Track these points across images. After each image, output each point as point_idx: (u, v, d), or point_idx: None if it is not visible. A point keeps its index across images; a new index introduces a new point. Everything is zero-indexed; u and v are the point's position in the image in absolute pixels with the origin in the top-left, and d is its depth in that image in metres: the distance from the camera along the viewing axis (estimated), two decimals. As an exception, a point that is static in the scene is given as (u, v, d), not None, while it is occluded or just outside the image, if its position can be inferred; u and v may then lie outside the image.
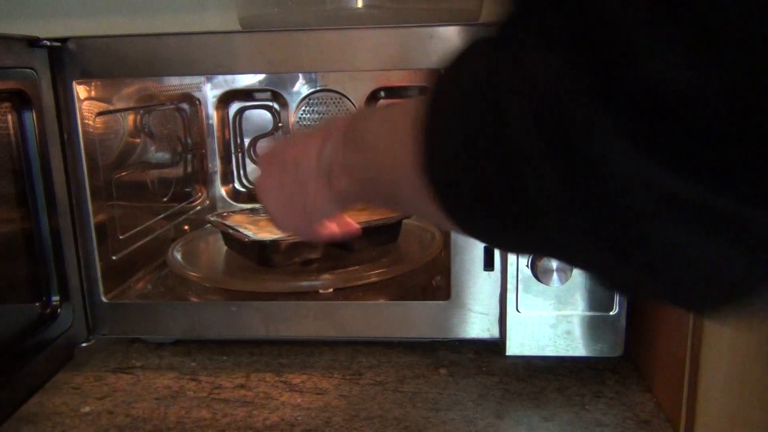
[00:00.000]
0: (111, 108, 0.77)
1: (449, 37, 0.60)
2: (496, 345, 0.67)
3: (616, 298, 0.62)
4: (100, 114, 0.73)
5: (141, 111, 0.86)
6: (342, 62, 0.64)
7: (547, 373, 0.66)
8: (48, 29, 0.65)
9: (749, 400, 0.51)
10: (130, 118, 0.84)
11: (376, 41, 0.62)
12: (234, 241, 0.81)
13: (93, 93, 0.71)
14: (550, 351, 0.64)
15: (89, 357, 0.71)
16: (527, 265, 0.62)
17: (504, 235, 0.28)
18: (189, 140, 1.00)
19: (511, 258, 0.62)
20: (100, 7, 1.03)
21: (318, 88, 1.00)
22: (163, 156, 0.94)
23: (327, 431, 0.57)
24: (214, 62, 0.64)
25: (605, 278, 0.27)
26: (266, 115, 1.03)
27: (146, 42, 0.63)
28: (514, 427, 0.57)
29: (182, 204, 0.97)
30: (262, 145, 1.04)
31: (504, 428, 0.57)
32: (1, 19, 1.04)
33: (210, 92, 1.02)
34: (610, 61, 0.20)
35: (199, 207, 1.02)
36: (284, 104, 1.02)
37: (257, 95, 1.03)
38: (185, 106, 0.99)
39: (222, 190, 1.05)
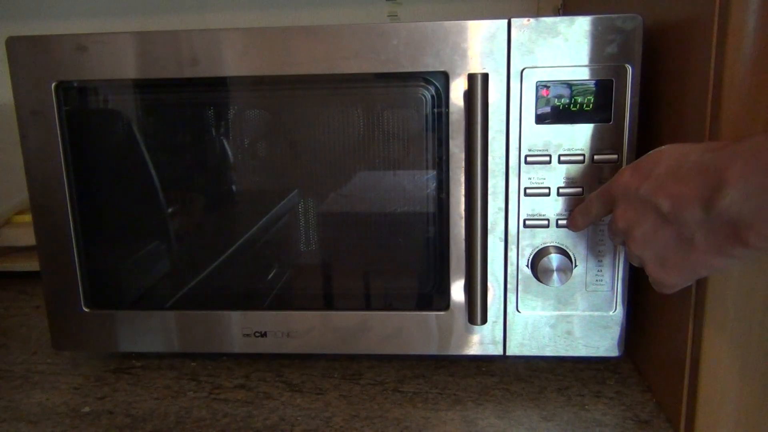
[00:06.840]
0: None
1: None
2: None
3: (616, 298, 0.62)
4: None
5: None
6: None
7: (547, 373, 0.66)
8: (49, 29, 0.65)
9: (749, 400, 0.51)
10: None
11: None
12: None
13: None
14: (550, 351, 0.64)
15: (89, 357, 0.71)
16: (527, 265, 0.62)
17: None
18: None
19: (512, 258, 0.62)
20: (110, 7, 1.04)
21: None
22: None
23: (327, 431, 0.57)
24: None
25: None
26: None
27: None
28: (514, 427, 0.57)
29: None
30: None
31: (504, 428, 0.57)
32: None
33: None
34: None
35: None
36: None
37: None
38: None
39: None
